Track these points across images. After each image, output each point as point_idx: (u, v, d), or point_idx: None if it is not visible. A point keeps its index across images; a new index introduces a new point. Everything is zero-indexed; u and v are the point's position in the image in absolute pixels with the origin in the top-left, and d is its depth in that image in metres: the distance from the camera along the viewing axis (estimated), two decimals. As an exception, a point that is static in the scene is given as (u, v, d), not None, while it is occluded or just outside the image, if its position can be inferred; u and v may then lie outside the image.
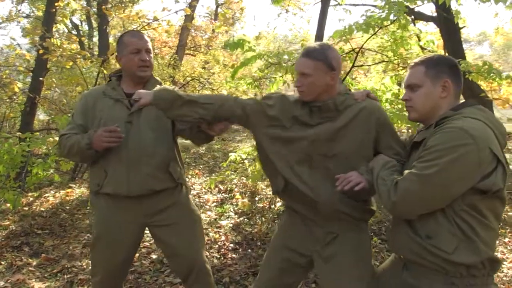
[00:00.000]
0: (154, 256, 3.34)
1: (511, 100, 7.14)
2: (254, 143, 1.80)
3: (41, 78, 5.77)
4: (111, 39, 11.15)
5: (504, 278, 3.01)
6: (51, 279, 2.98)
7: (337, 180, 1.51)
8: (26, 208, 4.63)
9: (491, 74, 3.58)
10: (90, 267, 2.19)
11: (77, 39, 6.18)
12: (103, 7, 6.26)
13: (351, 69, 4.31)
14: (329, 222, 1.65)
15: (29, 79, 6.38)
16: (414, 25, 5.00)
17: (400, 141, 1.63)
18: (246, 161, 6.14)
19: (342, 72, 3.12)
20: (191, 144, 2.02)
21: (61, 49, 5.16)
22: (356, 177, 1.50)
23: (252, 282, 2.79)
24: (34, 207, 4.70)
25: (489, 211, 1.28)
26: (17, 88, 5.98)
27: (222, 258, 3.36)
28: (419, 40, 4.82)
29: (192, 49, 12.46)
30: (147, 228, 2.03)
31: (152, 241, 3.47)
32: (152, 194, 1.90)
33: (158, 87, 1.77)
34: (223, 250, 3.50)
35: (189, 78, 9.42)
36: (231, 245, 3.62)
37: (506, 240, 3.74)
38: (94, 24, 12.01)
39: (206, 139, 2.00)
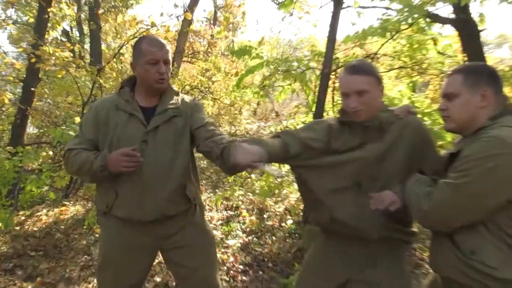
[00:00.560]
0: (158, 279, 3.30)
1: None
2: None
3: (32, 89, 5.76)
4: (103, 46, 11.22)
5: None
6: (48, 306, 2.95)
7: (371, 199, 1.50)
8: (17, 228, 4.59)
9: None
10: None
11: (71, 46, 6.18)
12: (99, 12, 6.31)
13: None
14: (370, 246, 1.63)
15: (19, 89, 6.36)
16: (430, 28, 5.03)
17: (442, 158, 1.62)
18: (253, 176, 6.13)
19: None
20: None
21: (53, 58, 5.16)
22: (391, 196, 1.49)
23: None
24: (26, 227, 4.66)
25: None
26: (7, 99, 5.95)
27: (232, 280, 3.32)
28: (435, 44, 4.85)
29: (190, 56, 12.51)
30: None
31: (155, 263, 3.44)
32: (167, 217, 1.87)
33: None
34: (232, 272, 3.46)
35: (188, 88, 9.44)
36: (241, 266, 3.58)
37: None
38: (85, 30, 12.06)
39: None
